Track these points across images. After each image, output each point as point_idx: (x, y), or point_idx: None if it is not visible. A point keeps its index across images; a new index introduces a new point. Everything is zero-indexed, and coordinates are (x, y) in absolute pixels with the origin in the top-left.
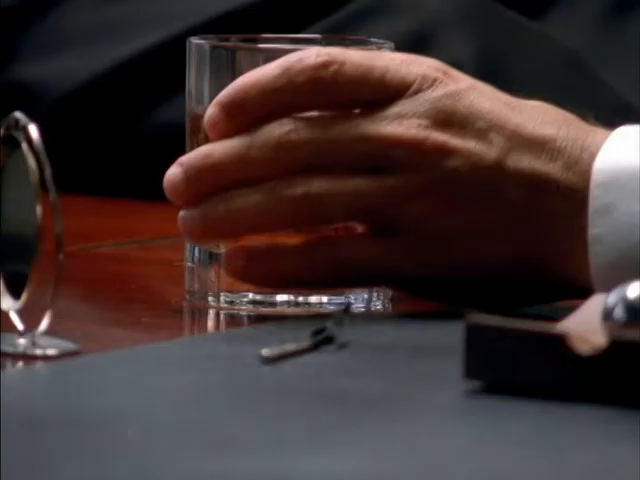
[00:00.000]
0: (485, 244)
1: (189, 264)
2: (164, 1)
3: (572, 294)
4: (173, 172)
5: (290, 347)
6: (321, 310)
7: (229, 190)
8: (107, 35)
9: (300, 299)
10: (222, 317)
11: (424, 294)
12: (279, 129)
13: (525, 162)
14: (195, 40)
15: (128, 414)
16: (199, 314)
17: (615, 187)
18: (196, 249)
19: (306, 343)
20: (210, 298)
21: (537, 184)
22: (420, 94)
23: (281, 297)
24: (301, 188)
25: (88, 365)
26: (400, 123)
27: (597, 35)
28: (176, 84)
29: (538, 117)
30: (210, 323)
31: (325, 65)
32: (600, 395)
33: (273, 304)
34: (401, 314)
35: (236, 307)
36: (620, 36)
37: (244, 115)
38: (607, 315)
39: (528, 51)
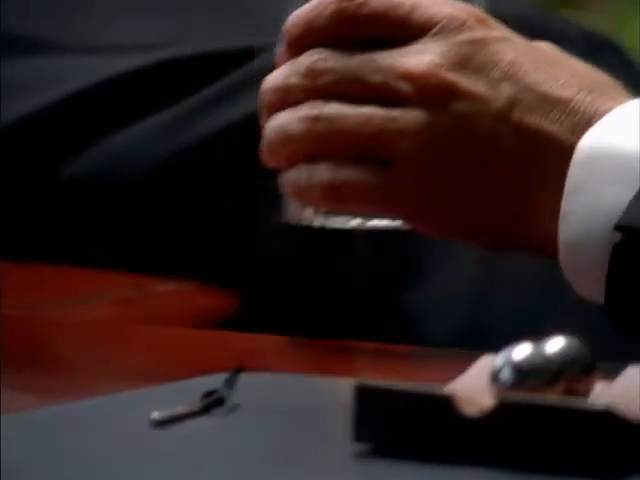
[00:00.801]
0: (476, 191)
1: None
2: (66, 60)
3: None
4: None
5: (180, 410)
6: None
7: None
8: (12, 90)
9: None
10: (121, 379)
11: (418, 227)
12: (309, 58)
13: (530, 118)
14: None
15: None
16: (96, 376)
17: (589, 167)
18: None
19: (196, 406)
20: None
21: (538, 141)
22: (443, 34)
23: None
24: (317, 110)
25: None
26: (415, 58)
27: None
28: (80, 141)
29: (562, 78)
30: (108, 386)
31: None
32: (488, 457)
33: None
34: (293, 375)
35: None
36: None
37: (294, 47)
38: (494, 377)
39: None
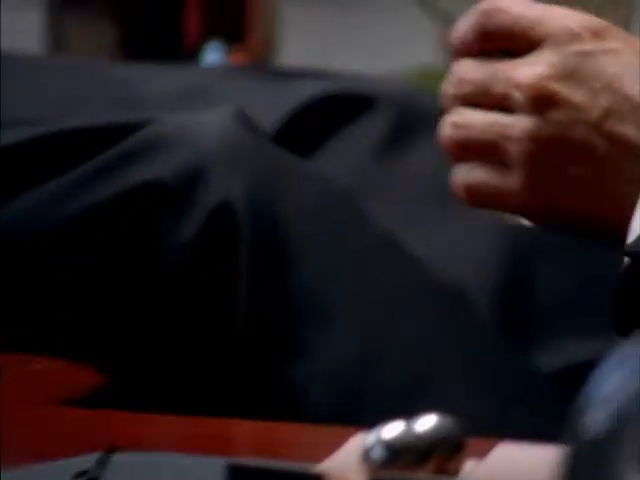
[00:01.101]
0: (573, 194)
1: None
2: None
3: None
4: None
5: None
6: None
7: None
8: None
9: None
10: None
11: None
12: (456, 68)
13: (622, 127)
14: None
15: None
16: None
17: None
18: None
19: None
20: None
21: (628, 149)
22: (556, 46)
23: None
24: (457, 117)
25: None
26: (527, 69)
27: (370, 170)
28: None
29: None
30: None
31: (486, 12)
32: None
33: None
34: (166, 455)
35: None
36: (393, 170)
37: (455, 57)
38: (365, 455)
39: (298, 191)
